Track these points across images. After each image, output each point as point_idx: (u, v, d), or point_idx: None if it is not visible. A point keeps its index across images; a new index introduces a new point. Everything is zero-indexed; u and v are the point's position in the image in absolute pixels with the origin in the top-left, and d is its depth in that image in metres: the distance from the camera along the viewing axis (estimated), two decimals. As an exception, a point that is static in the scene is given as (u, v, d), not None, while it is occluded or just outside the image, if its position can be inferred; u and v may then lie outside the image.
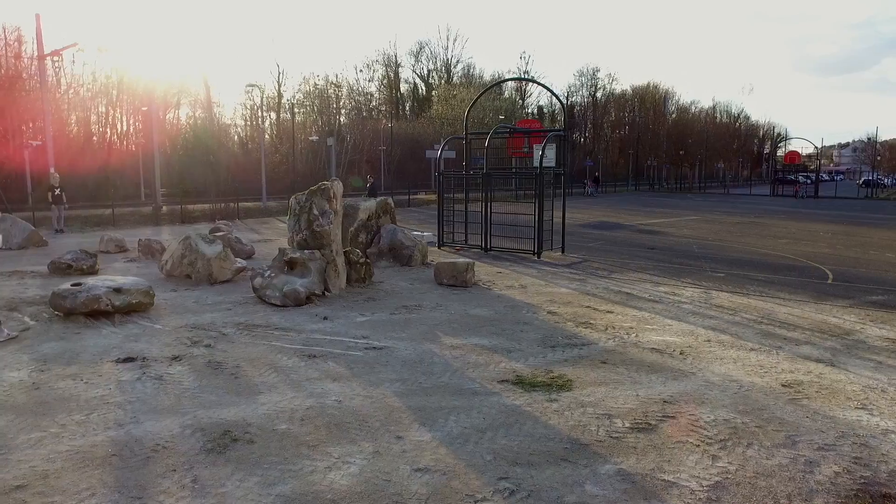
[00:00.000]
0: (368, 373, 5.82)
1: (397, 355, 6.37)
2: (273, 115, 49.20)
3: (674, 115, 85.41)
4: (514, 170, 15.00)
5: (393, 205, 12.99)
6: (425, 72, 68.77)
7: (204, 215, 21.40)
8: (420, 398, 5.21)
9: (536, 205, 13.05)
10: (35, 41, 23.92)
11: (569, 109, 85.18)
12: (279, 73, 49.96)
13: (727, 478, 3.93)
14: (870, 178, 59.00)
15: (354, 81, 58.23)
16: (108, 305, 7.60)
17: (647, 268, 12.19)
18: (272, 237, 16.95)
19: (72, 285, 7.84)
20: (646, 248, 15.25)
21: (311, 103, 48.92)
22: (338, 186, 9.43)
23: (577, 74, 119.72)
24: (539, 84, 14.96)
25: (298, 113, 49.60)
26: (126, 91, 36.35)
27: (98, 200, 25.05)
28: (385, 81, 65.38)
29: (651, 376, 5.82)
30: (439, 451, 4.24)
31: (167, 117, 40.43)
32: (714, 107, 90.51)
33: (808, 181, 46.36)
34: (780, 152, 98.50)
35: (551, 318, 8.03)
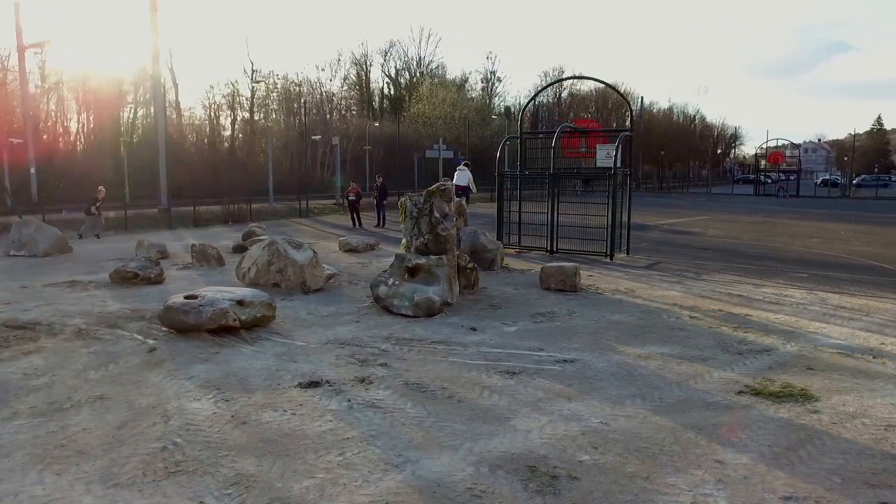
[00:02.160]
0: (592, 389, 5.27)
1: (597, 367, 5.84)
2: (246, 114, 47.45)
3: (637, 116, 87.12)
4: (583, 170, 14.63)
5: (466, 207, 12.39)
6: (393, 72, 67.94)
7: (215, 217, 20.14)
8: (683, 415, 4.70)
9: (609, 206, 12.71)
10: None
11: (534, 110, 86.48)
12: (253, 72, 47.95)
13: None
14: (828, 177, 61.67)
15: (316, 81, 56.81)
16: (235, 320, 6.76)
17: (724, 269, 11.99)
18: (309, 240, 15.96)
19: (186, 298, 6.95)
20: (698, 249, 15.14)
21: (281, 103, 47.44)
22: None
23: (542, 75, 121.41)
24: (600, 81, 14.51)
25: (274, 112, 48.06)
26: (85, 87, 34.22)
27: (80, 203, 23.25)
28: (355, 81, 64.29)
29: (876, 382, 5.50)
30: (778, 475, 3.77)
31: (138, 114, 38.37)
32: (671, 108, 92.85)
33: (785, 180, 47.83)
34: (739, 152, 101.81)
35: (699, 322, 7.64)
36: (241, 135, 46.55)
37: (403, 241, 12.79)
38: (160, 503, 3.42)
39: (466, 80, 70.07)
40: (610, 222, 12.77)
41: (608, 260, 12.77)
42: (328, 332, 6.98)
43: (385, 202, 20.38)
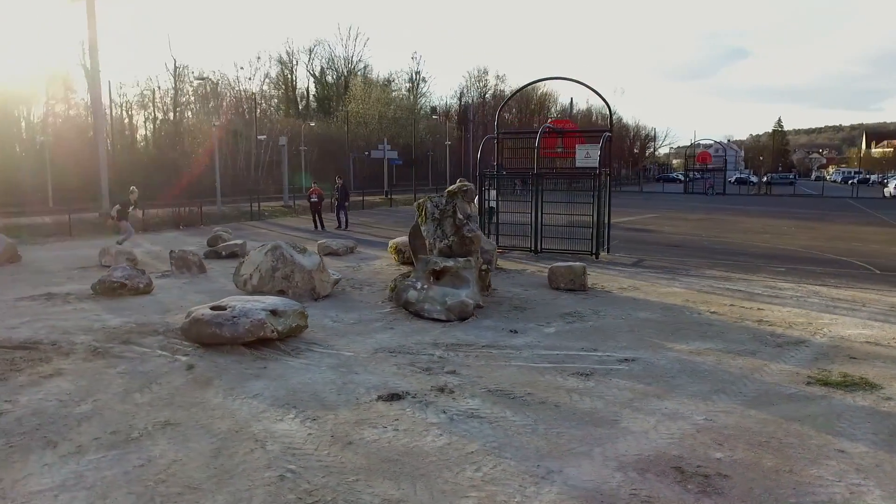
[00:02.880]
0: (672, 387, 5.33)
1: (661, 365, 5.92)
2: (161, 114, 44.87)
3: (557, 115, 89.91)
4: (568, 169, 14.82)
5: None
6: (318, 70, 66.46)
7: (164, 222, 18.82)
8: (774, 408, 4.85)
9: (595, 205, 12.98)
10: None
11: (462, 110, 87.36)
12: (175, 68, 45.30)
13: None
14: (741, 175, 66.12)
15: (235, 79, 54.80)
16: (273, 332, 6.33)
17: (707, 265, 12.51)
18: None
19: (211, 308, 6.44)
20: (668, 246, 15.76)
21: (205, 101, 45.29)
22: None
23: (466, 76, 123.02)
24: (584, 85, 14.89)
25: (192, 111, 45.73)
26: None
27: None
28: (278, 80, 62.34)
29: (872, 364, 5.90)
30: (904, 467, 3.95)
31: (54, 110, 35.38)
32: (589, 109, 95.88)
33: (712, 178, 50.48)
34: (655, 152, 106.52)
35: (721, 318, 7.92)
36: (162, 133, 44.08)
37: (391, 243, 12.55)
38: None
39: (392, 80, 69.55)
40: (596, 221, 13.06)
41: (595, 258, 13.05)
42: (368, 340, 6.68)
43: (347, 204, 19.90)
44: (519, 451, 4.10)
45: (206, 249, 13.17)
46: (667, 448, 4.14)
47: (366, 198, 30.47)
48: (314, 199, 18.65)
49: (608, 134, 13.58)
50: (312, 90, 66.35)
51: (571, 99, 67.01)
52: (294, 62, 63.42)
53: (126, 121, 43.05)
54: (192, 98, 45.53)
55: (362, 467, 3.86)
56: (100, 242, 13.99)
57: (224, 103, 44.49)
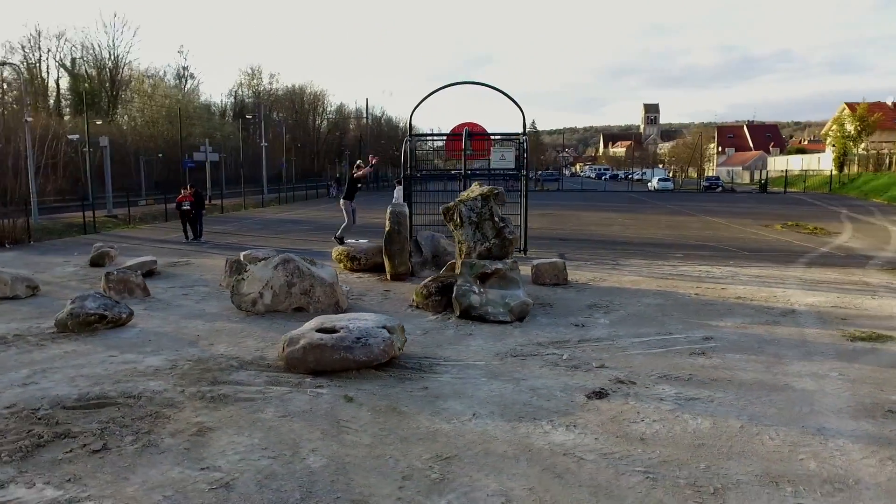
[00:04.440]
0: (786, 356, 6.31)
1: (742, 341, 6.91)
2: None
3: (331, 117, 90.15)
4: (491, 171, 15.22)
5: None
6: (69, 61, 57.44)
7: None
8: (879, 357, 6.10)
9: (522, 204, 13.86)
10: None
11: (238, 109, 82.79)
12: None
13: None
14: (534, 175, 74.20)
15: None
16: (399, 349, 5.89)
17: (623, 256, 14.20)
18: (152, 256, 13.19)
19: (319, 331, 5.75)
20: (561, 240, 17.40)
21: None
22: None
23: (240, 73, 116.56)
24: (498, 91, 15.50)
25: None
26: None
27: None
28: (24, 68, 52.44)
29: (878, 327, 7.81)
30: None
31: None
32: (358, 110, 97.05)
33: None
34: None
35: (710, 298, 9.28)
36: None
37: (337, 250, 11.94)
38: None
39: (158, 75, 62.93)
40: (523, 219, 13.99)
41: (524, 255, 13.98)
42: (473, 348, 6.57)
43: (204, 212, 18.04)
44: (778, 418, 4.67)
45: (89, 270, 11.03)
46: (859, 395, 5.08)
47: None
48: (186, 207, 16.51)
49: (525, 137, 14.61)
50: (65, 84, 56.85)
51: (367, 100, 67.56)
52: (40, 50, 53.69)
53: None
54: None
55: (691, 455, 4.06)
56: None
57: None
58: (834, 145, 51.77)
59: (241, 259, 10.28)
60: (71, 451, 4.08)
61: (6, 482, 3.68)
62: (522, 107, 14.93)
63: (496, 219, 8.28)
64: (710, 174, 75.78)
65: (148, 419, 4.60)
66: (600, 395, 5.22)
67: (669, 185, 58.17)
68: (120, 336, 6.95)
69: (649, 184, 59.36)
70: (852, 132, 50.20)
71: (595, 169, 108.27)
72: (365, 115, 64.47)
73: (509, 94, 14.66)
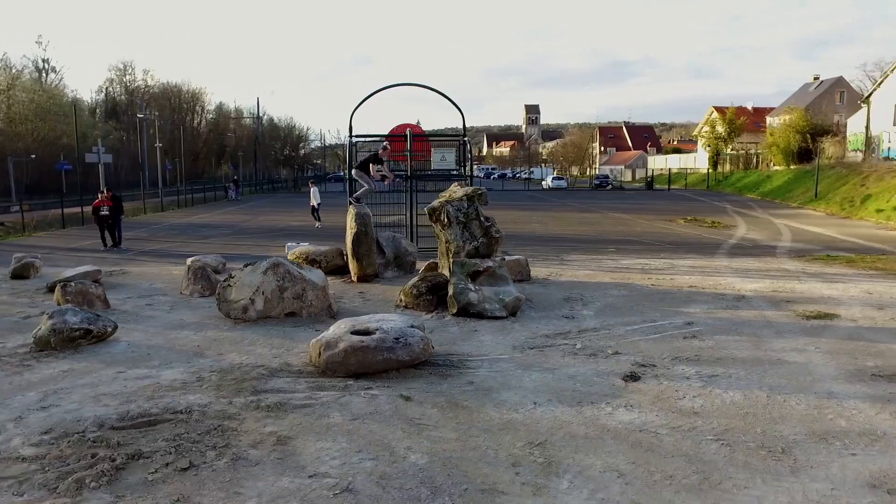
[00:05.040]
0: (766, 335, 7.15)
1: (719, 325, 7.73)
2: None
3: (211, 116, 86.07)
4: (433, 172, 15.25)
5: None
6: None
7: None
8: (837, 330, 7.08)
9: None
10: None
11: (111, 107, 76.90)
12: None
13: None
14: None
15: None
16: (432, 347, 6.02)
17: (565, 251, 15.03)
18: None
19: (354, 333, 5.76)
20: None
21: None
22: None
23: (110, 68, 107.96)
24: (437, 92, 15.58)
25: None
26: None
27: None
28: None
29: (842, 306, 9.01)
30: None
31: None
32: (239, 108, 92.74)
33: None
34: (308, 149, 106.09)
35: (666, 288, 10.20)
36: None
37: (293, 253, 11.68)
38: None
39: (10, 67, 56.76)
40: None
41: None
42: (488, 344, 6.83)
43: (122, 217, 16.78)
44: (792, 387, 5.37)
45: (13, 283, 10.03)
46: (841, 364, 5.94)
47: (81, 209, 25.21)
48: (104, 212, 15.22)
49: (466, 139, 15.01)
50: None
51: (258, 100, 65.35)
52: None
53: None
54: None
55: (745, 423, 4.61)
56: None
57: None
58: (709, 146, 57.08)
59: (190, 266, 9.81)
60: (156, 470, 3.89)
61: (111, 508, 3.48)
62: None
63: (482, 218, 8.60)
64: (597, 173, 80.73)
65: (215, 433, 4.44)
66: (634, 377, 5.70)
67: (563, 183, 61.40)
68: (111, 351, 6.49)
69: (543, 182, 62.31)
70: (723, 134, 55.69)
71: (483, 168, 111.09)
72: (257, 115, 62.09)
73: (449, 97, 15.01)
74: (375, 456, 4.14)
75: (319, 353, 5.72)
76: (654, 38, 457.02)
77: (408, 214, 14.23)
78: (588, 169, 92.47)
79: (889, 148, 31.03)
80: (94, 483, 3.73)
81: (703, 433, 4.50)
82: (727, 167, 54.04)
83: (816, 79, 57.83)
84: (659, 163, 76.85)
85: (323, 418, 4.75)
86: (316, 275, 8.16)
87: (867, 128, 33.15)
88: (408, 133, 14.53)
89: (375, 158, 11.26)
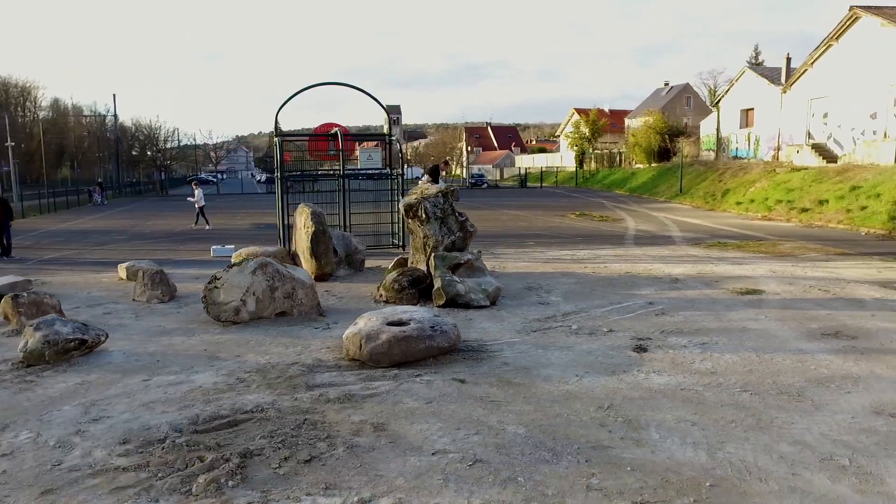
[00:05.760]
0: (724, 309, 8.28)
1: (679, 303, 8.81)
2: None
3: (48, 114, 78.22)
4: (363, 171, 15.06)
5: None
6: None
7: None
8: (776, 303, 8.39)
9: (399, 203, 14.47)
10: None
11: None
12: None
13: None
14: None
15: None
16: (458, 336, 6.37)
17: (491, 245, 15.71)
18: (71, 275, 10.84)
19: (391, 324, 5.99)
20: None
21: None
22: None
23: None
24: (363, 91, 15.40)
25: None
26: None
27: None
28: None
29: (761, 282, 10.53)
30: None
31: None
32: (77, 105, 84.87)
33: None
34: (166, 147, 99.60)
35: (610, 275, 11.28)
36: None
37: (238, 254, 11.34)
38: None
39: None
40: (401, 217, 14.66)
41: (403, 250, 14.69)
42: (497, 330, 7.33)
43: (10, 223, 15.04)
44: (770, 348, 6.42)
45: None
46: (796, 328, 7.15)
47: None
48: (-8, 218, 13.51)
49: (393, 139, 15.28)
50: None
51: (77, 98, 60.23)
52: None
53: None
54: None
55: (755, 377, 5.51)
56: None
57: None
58: (576, 146, 61.41)
59: (144, 272, 9.28)
60: (279, 465, 3.96)
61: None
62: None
63: (457, 214, 9.05)
64: (471, 172, 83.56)
65: (307, 426, 4.53)
66: (643, 349, 6.49)
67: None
68: (111, 361, 6.12)
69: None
70: (588, 134, 60.23)
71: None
72: (115, 113, 57.15)
73: (373, 95, 15.20)
74: (477, 431, 4.50)
75: (360, 345, 5.88)
76: (505, 42, 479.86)
77: (341, 214, 14.25)
78: (456, 168, 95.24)
79: (737, 148, 35.68)
80: (230, 482, 3.73)
81: (731, 387, 5.35)
82: (593, 165, 58.55)
83: (667, 84, 64.48)
84: (527, 161, 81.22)
85: (399, 405, 4.99)
86: (303, 273, 8.16)
87: (718, 130, 37.80)
88: (337, 132, 14.55)
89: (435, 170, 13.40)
